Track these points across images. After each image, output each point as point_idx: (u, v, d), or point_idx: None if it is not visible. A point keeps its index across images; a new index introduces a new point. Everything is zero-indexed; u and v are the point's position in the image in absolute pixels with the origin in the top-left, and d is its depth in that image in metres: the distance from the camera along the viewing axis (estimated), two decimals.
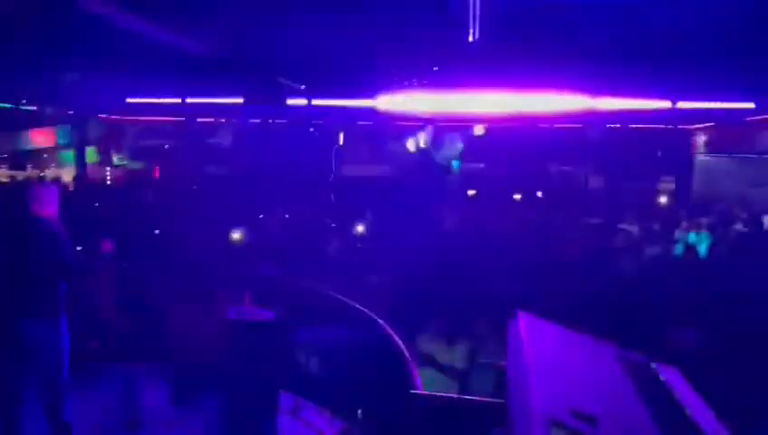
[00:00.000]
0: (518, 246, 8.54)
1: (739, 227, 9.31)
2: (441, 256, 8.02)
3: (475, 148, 13.06)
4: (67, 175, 11.68)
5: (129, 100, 11.54)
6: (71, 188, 10.96)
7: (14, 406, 3.66)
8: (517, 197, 13.30)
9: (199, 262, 6.70)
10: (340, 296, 5.60)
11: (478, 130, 12.60)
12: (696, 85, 8.75)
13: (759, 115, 9.80)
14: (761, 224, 9.37)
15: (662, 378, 1.73)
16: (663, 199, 11.72)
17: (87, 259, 5.38)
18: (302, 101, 10.98)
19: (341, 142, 13.29)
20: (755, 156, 11.50)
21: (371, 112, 10.66)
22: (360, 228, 10.38)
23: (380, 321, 5.14)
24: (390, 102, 9.92)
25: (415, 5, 6.27)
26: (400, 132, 12.78)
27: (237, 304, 4.51)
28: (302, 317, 5.07)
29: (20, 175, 10.86)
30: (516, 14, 6.25)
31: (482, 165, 14.08)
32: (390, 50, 8.02)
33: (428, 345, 4.95)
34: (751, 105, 9.13)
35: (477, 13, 6.06)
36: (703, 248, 8.65)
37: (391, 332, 4.78)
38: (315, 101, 11.09)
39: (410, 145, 12.85)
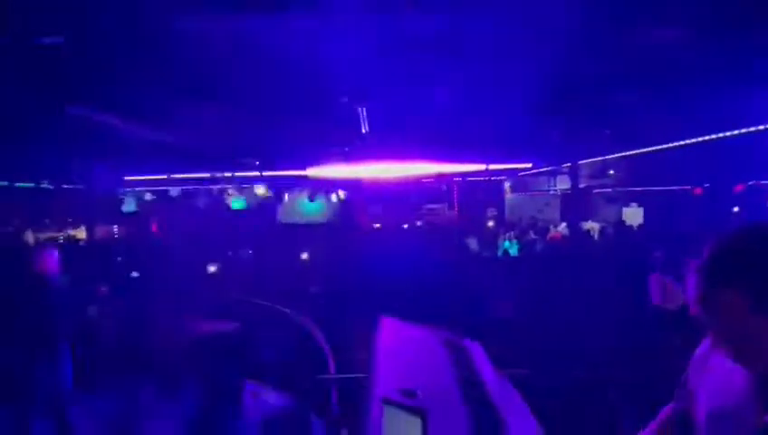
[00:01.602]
0: (406, 258, 8.67)
1: (531, 235, 10.06)
2: (360, 269, 7.97)
3: (374, 197, 13.22)
4: (80, 234, 10.36)
5: (126, 177, 10.65)
6: (82, 244, 9.73)
7: (31, 427, 3.10)
8: (405, 226, 13.59)
9: (181, 290, 6.15)
10: (282, 308, 5.36)
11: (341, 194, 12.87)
12: (499, 156, 9.58)
13: (533, 170, 10.81)
14: (544, 233, 10.22)
15: (468, 351, 1.74)
16: (490, 223, 12.38)
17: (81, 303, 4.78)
18: (256, 173, 10.67)
19: (286, 199, 12.95)
20: (537, 193, 12.71)
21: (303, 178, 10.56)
22: (305, 255, 10.10)
23: (308, 323, 4.96)
24: (316, 171, 9.90)
25: (330, 115, 6.35)
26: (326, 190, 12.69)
27: (208, 320, 4.17)
28: (257, 325, 4.78)
29: (42, 236, 9.47)
30: (393, 117, 6.50)
31: (380, 207, 14.24)
32: (315, 139, 8.02)
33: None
34: (529, 165, 10.09)
35: (365, 117, 6.25)
36: (513, 250, 9.27)
37: (315, 330, 4.63)
38: (265, 172, 10.81)
39: (333, 197, 12.81)
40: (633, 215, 11.44)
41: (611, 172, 10.15)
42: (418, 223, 13.91)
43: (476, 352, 1.78)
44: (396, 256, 8.88)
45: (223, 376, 3.88)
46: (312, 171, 9.85)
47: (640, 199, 11.98)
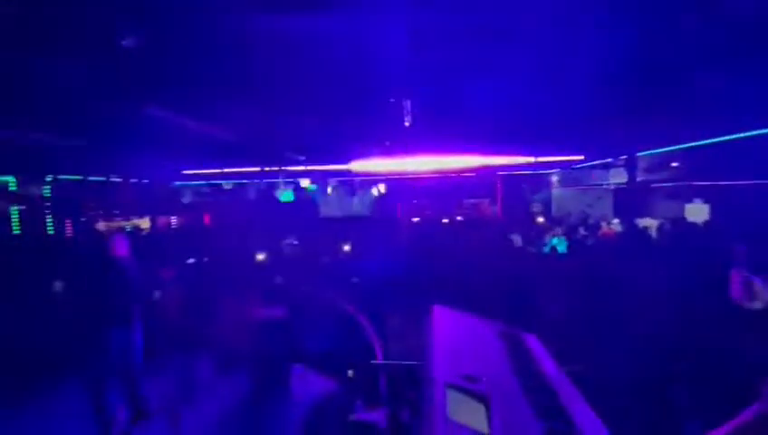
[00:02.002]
0: (446, 252, 8.59)
1: (581, 232, 9.58)
2: (400, 262, 8.00)
3: (415, 191, 13.19)
4: (144, 224, 11.23)
5: (184, 171, 11.40)
6: (145, 232, 10.56)
7: (103, 393, 3.45)
8: (445, 220, 13.45)
9: (235, 276, 6.50)
10: (329, 296, 5.51)
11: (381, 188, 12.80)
12: (548, 148, 9.16)
13: (586, 163, 10.22)
14: (595, 229, 9.70)
15: (525, 342, 1.72)
16: (540, 219, 11.92)
17: (148, 284, 5.17)
18: (302, 167, 10.98)
19: (329, 192, 13.23)
20: (588, 187, 12.03)
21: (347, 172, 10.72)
22: (347, 247, 10.30)
23: (354, 312, 5.06)
24: (359, 165, 10.01)
25: (374, 109, 6.39)
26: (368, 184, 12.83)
27: (259, 305, 4.40)
28: (303, 312, 4.96)
29: (112, 225, 10.37)
30: (436, 109, 6.42)
31: (420, 202, 14.18)
32: (359, 133, 8.11)
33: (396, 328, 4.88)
34: (581, 157, 9.54)
35: (409, 110, 6.21)
36: (562, 247, 8.88)
37: (364, 321, 4.72)
38: (310, 166, 11.09)
39: (374, 191, 12.92)
40: (697, 211, 10.52)
41: (676, 164, 9.37)
42: (459, 218, 13.72)
43: (534, 344, 1.75)
44: (436, 250, 8.84)
45: (272, 359, 4.09)
46: (354, 165, 9.98)
47: (706, 195, 11.00)
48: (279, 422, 3.71)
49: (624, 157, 9.38)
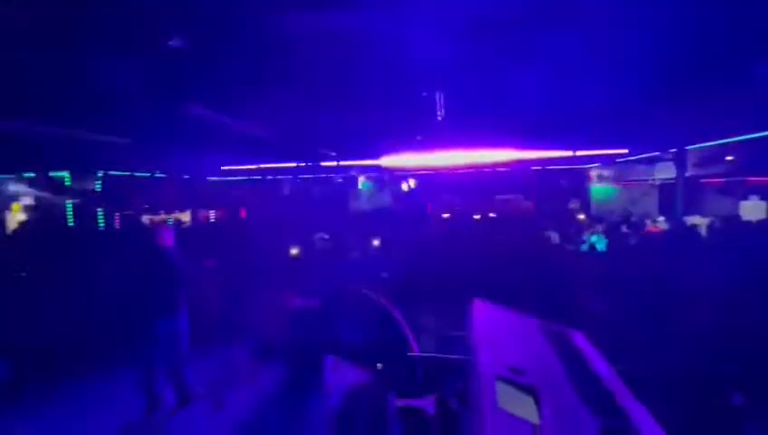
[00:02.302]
0: (480, 249, 8.45)
1: (623, 230, 9.16)
2: (430, 258, 7.95)
3: (446, 187, 13.04)
4: (185, 217, 11.79)
5: (222, 167, 11.84)
6: (187, 225, 11.08)
7: (153, 377, 3.64)
8: (477, 217, 13.23)
9: (270, 268, 6.71)
10: (361, 289, 5.55)
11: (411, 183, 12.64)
12: (589, 141, 8.76)
13: (630, 157, 9.69)
14: (639, 227, 9.23)
15: (571, 339, 1.67)
16: (581, 216, 11.43)
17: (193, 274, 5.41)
18: (333, 163, 11.12)
19: (359, 187, 13.33)
20: (632, 183, 11.44)
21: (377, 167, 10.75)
22: (376, 242, 10.35)
23: (386, 303, 5.07)
24: (389, 160, 10.00)
25: (405, 103, 6.36)
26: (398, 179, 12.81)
27: (292, 295, 4.51)
28: (336, 303, 5.03)
29: (155, 219, 10.96)
30: (469, 102, 6.29)
31: (451, 197, 14.01)
32: (390, 128, 8.10)
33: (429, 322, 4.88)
34: (625, 151, 9.06)
35: (441, 103, 6.13)
36: (601, 245, 8.52)
37: (397, 313, 4.72)
38: (341, 162, 11.22)
39: (404, 187, 12.89)
40: (753, 209, 9.77)
41: (730, 158, 8.71)
42: (491, 214, 13.46)
43: (581, 341, 1.69)
44: (467, 246, 8.70)
45: (305, 348, 4.19)
46: (385, 160, 9.98)
47: (763, 192, 10.17)
48: (313, 410, 3.80)
49: (673, 150, 8.82)
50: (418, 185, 12.85)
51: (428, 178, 12.59)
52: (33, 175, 9.46)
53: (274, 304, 4.84)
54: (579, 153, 9.14)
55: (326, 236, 10.57)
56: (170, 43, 3.87)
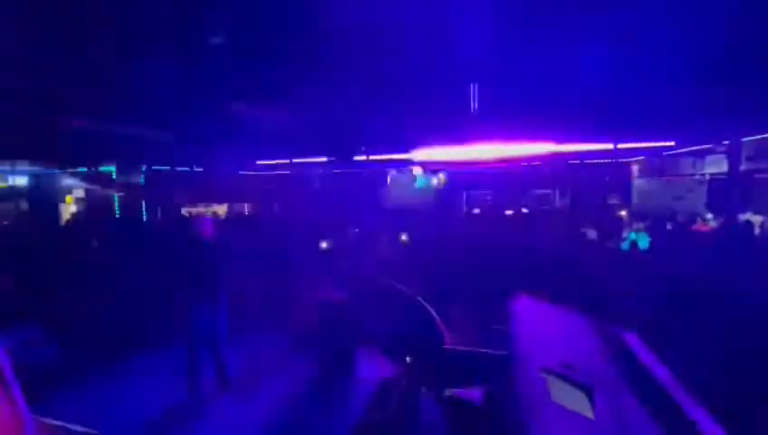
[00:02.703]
0: (513, 245, 8.26)
1: (667, 227, 8.67)
2: (463, 252, 7.84)
3: (478, 181, 12.79)
4: (221, 210, 12.23)
5: (258, 162, 12.18)
6: (222, 217, 11.50)
7: (196, 362, 3.79)
8: (509, 212, 12.91)
9: (301, 260, 6.85)
10: (391, 281, 5.55)
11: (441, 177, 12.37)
12: (632, 133, 8.31)
13: (678, 150, 9.09)
14: (685, 224, 8.70)
15: (623, 339, 1.60)
16: (623, 213, 10.86)
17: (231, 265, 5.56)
18: (363, 157, 11.17)
19: (389, 181, 13.33)
20: (677, 177, 10.76)
21: (409, 161, 10.67)
22: (404, 237, 10.32)
23: (419, 297, 5.05)
24: (421, 154, 9.92)
25: (440, 95, 6.26)
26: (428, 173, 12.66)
27: (325, 288, 4.58)
28: (368, 296, 5.07)
29: (194, 211, 11.44)
30: (505, 93, 6.12)
31: (482, 192, 13.74)
32: (423, 121, 8.01)
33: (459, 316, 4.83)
34: (672, 143, 8.50)
35: (476, 95, 5.99)
36: (644, 243, 8.12)
37: (427, 305, 4.70)
38: (372, 157, 11.25)
39: (434, 181, 12.75)
40: None
41: None
42: (524, 209, 13.10)
43: (633, 341, 1.62)
44: (499, 242, 8.52)
45: (336, 339, 4.25)
46: (416, 154, 9.91)
47: None
48: (344, 399, 3.86)
49: (726, 142, 8.21)
50: (450, 179, 12.68)
51: (460, 172, 12.38)
52: (83, 169, 10.11)
53: (306, 295, 4.93)
54: (621, 146, 8.66)
55: (356, 230, 10.67)
56: (213, 41, 3.99)
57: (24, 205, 10.41)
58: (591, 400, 1.07)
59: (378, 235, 10.24)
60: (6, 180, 9.93)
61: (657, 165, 11.20)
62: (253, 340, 4.87)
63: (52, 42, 4.00)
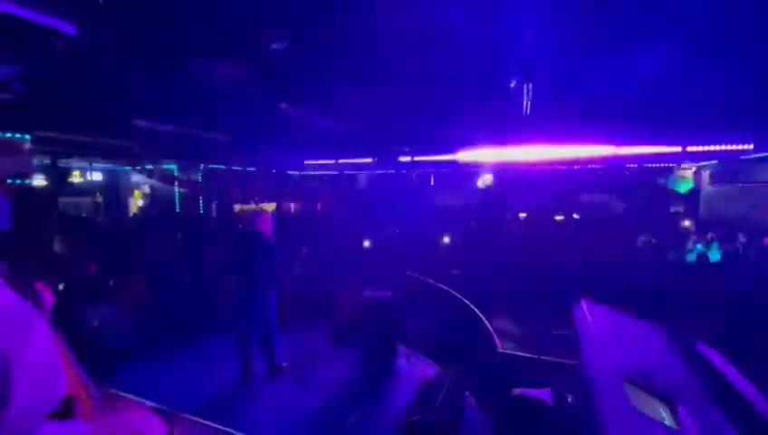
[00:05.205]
0: (561, 253, 7.92)
1: (742, 239, 7.89)
2: (508, 258, 7.65)
3: (525, 184, 12.34)
4: (270, 208, 12.76)
5: (306, 162, 12.55)
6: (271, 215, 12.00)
7: (247, 347, 4.00)
8: (559, 218, 12.35)
9: (345, 258, 6.99)
10: (437, 284, 5.54)
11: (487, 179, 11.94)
12: (702, 134, 7.62)
13: (756, 154, 8.20)
14: (762, 236, 7.86)
15: (703, 352, 1.51)
16: (686, 223, 10.05)
17: (286, 258, 5.73)
18: (408, 158, 11.19)
19: (432, 183, 13.23)
20: (753, 184, 9.73)
21: (453, 163, 10.53)
22: (447, 239, 10.22)
23: (465, 300, 4.99)
24: (466, 155, 9.77)
25: (490, 94, 6.11)
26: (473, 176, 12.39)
27: (368, 286, 4.64)
28: (411, 296, 5.08)
29: (246, 208, 12.03)
30: (560, 92, 5.86)
31: (530, 196, 13.23)
32: (470, 121, 7.85)
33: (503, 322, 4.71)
34: (750, 146, 7.68)
35: (529, 94, 5.78)
36: (715, 255, 7.47)
37: (474, 308, 4.64)
38: (416, 158, 11.22)
39: (479, 183, 12.48)
40: None
41: None
42: (575, 215, 12.46)
43: (714, 355, 1.52)
44: (547, 249, 8.18)
45: (378, 337, 4.28)
46: (462, 155, 9.77)
47: None
48: (385, 396, 3.89)
49: None
50: (496, 182, 12.33)
51: (507, 175, 12.01)
52: (150, 167, 10.98)
53: (349, 292, 5.03)
54: (690, 149, 7.96)
55: (397, 231, 10.73)
56: (272, 47, 4.17)
57: (100, 198, 11.50)
58: (674, 410, 1.02)
59: (420, 235, 10.23)
60: (85, 176, 11.01)
61: (730, 170, 10.19)
62: (297, 332, 5.05)
63: (144, 48, 4.34)
